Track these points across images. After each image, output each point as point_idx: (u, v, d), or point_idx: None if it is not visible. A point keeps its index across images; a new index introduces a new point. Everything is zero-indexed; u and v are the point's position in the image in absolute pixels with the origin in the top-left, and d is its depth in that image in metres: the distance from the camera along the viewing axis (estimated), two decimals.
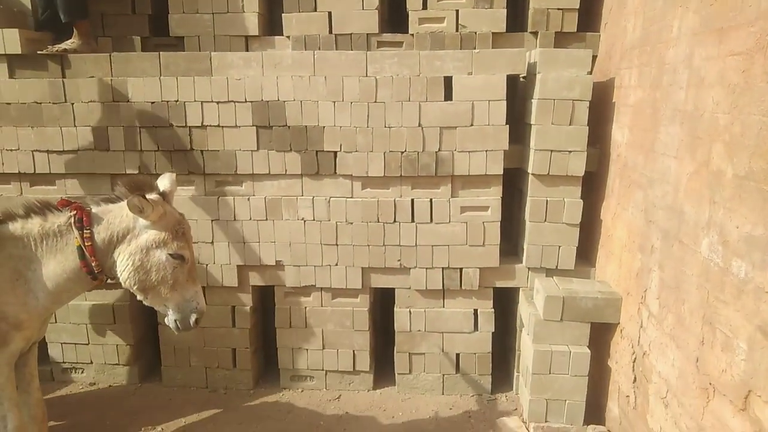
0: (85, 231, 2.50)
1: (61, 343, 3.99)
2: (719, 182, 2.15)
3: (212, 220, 3.72)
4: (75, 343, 3.99)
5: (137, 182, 2.62)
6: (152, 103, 3.59)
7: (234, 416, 3.65)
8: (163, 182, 2.78)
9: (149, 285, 2.57)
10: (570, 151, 3.41)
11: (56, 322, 3.93)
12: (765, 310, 1.82)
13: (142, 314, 4.03)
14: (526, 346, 3.45)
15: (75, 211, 2.52)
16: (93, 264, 2.52)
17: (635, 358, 2.93)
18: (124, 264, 2.53)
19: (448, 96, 3.46)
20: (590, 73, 3.37)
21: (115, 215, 2.56)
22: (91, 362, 4.02)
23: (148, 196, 2.48)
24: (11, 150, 3.69)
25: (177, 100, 3.58)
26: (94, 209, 2.58)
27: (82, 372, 4.06)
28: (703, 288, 2.23)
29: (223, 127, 3.59)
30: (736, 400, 1.95)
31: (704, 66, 2.32)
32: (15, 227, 2.51)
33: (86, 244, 2.49)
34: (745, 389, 1.90)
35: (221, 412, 3.70)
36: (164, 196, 2.67)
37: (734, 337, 1.99)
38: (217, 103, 3.56)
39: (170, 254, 2.54)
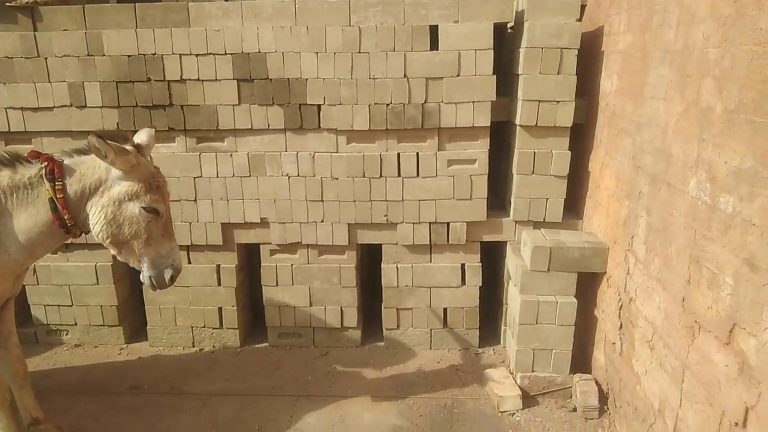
0: (56, 183, 2.40)
1: (44, 305, 3.94)
2: (708, 119, 2.11)
3: (194, 178, 3.65)
4: (58, 305, 3.93)
5: (111, 134, 2.52)
6: (129, 56, 3.48)
7: (221, 374, 3.64)
8: (140, 136, 2.69)
9: (122, 239, 2.49)
10: (558, 102, 3.35)
11: (38, 284, 3.88)
12: (752, 243, 1.80)
13: (127, 275, 3.98)
14: (513, 298, 3.45)
15: (46, 162, 2.43)
16: (66, 217, 2.43)
17: (621, 305, 2.93)
18: (96, 217, 2.44)
19: (434, 45, 3.37)
20: (579, 20, 3.29)
21: (87, 166, 2.46)
22: (76, 324, 3.98)
23: (121, 145, 2.40)
24: None
25: (154, 53, 3.47)
26: (66, 161, 2.48)
27: (67, 334, 4.02)
28: (690, 227, 2.21)
29: (202, 80, 3.50)
30: (720, 335, 1.95)
31: (695, 1, 2.25)
32: None
33: (58, 196, 2.40)
34: (729, 323, 1.90)
35: (208, 369, 3.69)
36: (140, 149, 2.58)
37: (720, 272, 1.97)
38: (196, 55, 3.46)
39: (143, 207, 2.45)
